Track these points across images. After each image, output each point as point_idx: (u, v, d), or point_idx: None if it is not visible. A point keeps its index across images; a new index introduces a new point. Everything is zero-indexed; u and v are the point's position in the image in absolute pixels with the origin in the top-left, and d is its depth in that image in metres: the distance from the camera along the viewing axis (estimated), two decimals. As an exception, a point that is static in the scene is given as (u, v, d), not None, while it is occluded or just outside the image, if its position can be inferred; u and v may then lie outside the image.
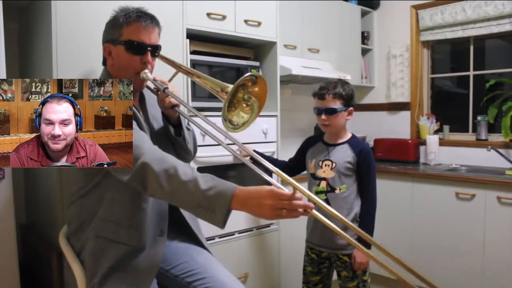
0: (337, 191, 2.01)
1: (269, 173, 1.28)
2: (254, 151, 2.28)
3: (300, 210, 1.18)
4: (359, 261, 1.96)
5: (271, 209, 1.17)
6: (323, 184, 2.03)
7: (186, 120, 1.62)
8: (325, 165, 2.04)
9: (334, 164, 2.02)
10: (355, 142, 2.07)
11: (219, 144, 1.34)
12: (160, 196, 1.30)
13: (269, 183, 1.23)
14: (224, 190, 1.21)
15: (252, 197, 1.19)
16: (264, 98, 1.44)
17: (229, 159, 2.34)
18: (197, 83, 1.54)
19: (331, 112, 2.00)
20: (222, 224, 1.20)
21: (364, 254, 1.23)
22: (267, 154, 2.46)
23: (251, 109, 1.45)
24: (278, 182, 1.27)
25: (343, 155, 2.03)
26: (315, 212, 1.19)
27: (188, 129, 1.66)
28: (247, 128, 1.46)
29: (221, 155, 2.30)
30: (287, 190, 1.18)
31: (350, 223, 1.23)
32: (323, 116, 2.01)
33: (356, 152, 2.03)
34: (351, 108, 2.05)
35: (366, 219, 2.02)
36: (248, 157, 1.41)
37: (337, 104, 2.00)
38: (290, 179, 1.21)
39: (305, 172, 2.22)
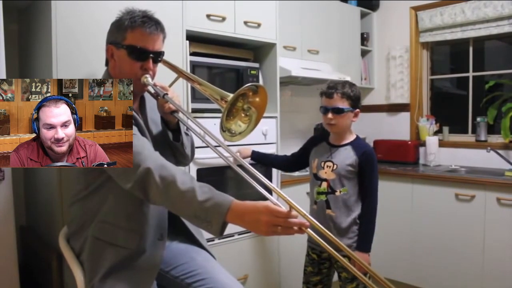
0: (337, 193, 2.00)
1: (269, 176, 1.28)
2: (254, 151, 2.28)
3: (296, 228, 1.17)
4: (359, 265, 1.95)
5: (267, 225, 1.17)
6: (324, 185, 2.03)
7: (185, 125, 1.62)
8: (327, 166, 2.04)
9: (335, 166, 2.01)
10: (358, 144, 2.05)
11: (219, 146, 1.34)
12: (160, 204, 1.31)
13: (264, 197, 1.24)
14: (220, 202, 1.21)
15: (248, 212, 1.19)
16: (264, 109, 1.44)
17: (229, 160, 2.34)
18: (197, 90, 1.54)
19: (338, 111, 1.98)
20: (218, 235, 1.22)
21: (362, 264, 1.22)
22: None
23: (249, 119, 1.44)
24: (277, 185, 1.27)
25: (345, 157, 2.02)
26: (309, 231, 1.19)
27: (187, 134, 1.66)
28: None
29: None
30: (283, 207, 1.18)
31: (344, 245, 1.22)
32: (330, 115, 1.99)
33: (358, 154, 2.00)
34: (357, 110, 2.04)
35: (366, 222, 1.99)
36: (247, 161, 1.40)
37: (344, 104, 1.98)
38: (287, 197, 1.21)
39: (307, 173, 2.22)
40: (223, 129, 1.38)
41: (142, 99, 1.60)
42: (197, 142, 1.80)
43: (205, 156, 2.26)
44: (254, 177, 1.26)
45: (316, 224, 1.20)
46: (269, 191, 1.26)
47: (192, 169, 2.27)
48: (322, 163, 2.06)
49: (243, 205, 1.20)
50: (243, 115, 1.44)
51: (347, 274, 2.01)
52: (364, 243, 1.96)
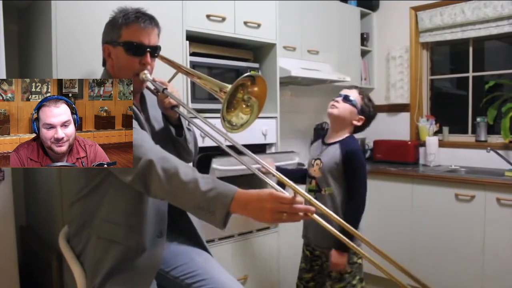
0: (323, 192, 1.99)
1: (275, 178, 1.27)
2: (277, 168, 2.19)
3: (301, 214, 1.16)
4: (334, 261, 1.91)
5: (272, 213, 1.15)
6: (313, 183, 2.03)
7: (186, 120, 1.62)
8: (316, 164, 2.03)
9: (322, 164, 2.01)
10: (345, 142, 2.01)
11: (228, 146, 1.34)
12: (162, 196, 1.30)
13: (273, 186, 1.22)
14: (224, 192, 1.19)
15: (252, 200, 1.17)
16: (264, 98, 1.43)
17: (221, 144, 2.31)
18: (197, 84, 1.54)
19: (347, 99, 2.02)
20: (222, 226, 1.19)
21: (352, 246, 1.21)
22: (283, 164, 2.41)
23: (251, 110, 1.44)
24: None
25: (332, 155, 2.00)
26: (315, 216, 1.17)
27: (189, 130, 1.66)
28: (247, 129, 1.45)
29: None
30: (287, 193, 1.17)
31: (357, 232, 1.22)
32: (337, 98, 2.05)
33: (343, 152, 1.97)
34: (363, 117, 2.04)
35: (348, 222, 1.94)
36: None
37: (356, 99, 2.03)
38: (290, 182, 1.20)
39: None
40: (224, 119, 1.38)
41: (142, 97, 1.61)
42: (198, 143, 1.80)
43: (224, 168, 2.24)
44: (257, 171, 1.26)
45: (323, 208, 1.19)
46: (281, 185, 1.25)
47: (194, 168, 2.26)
48: (313, 161, 2.06)
49: (247, 194, 1.19)
50: (244, 106, 1.43)
51: (336, 273, 1.98)
52: (342, 242, 1.93)
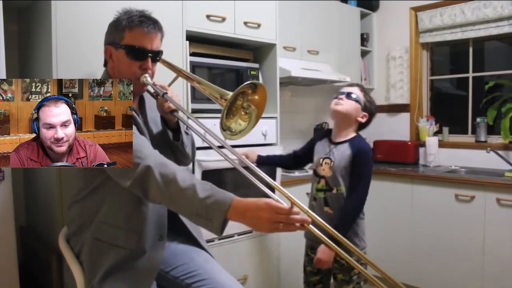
0: (334, 191, 1.99)
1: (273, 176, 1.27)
2: (259, 156, 2.27)
3: (297, 224, 1.17)
4: (319, 257, 1.90)
5: (268, 222, 1.16)
6: (323, 182, 2.02)
7: (185, 125, 1.62)
8: (325, 163, 2.03)
9: (332, 163, 2.01)
10: (355, 141, 2.03)
11: (222, 147, 1.34)
12: (160, 202, 1.30)
13: (267, 195, 1.23)
14: (221, 200, 1.20)
15: (250, 209, 1.18)
16: (263, 106, 1.43)
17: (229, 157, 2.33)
18: (196, 88, 1.54)
19: (350, 96, 2.02)
20: (219, 233, 1.20)
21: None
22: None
23: (249, 117, 1.44)
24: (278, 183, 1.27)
25: (343, 154, 2.00)
26: (311, 227, 1.18)
27: (187, 134, 1.66)
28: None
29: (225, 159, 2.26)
30: (284, 204, 1.18)
31: (348, 242, 1.23)
32: (340, 96, 2.03)
33: (353, 151, 1.98)
34: (366, 113, 2.05)
35: (342, 217, 1.93)
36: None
37: (359, 96, 2.03)
38: (289, 194, 1.20)
39: (307, 173, 2.20)
40: (223, 127, 1.38)
41: (141, 99, 1.61)
42: (199, 143, 1.80)
43: (209, 159, 2.26)
44: (255, 175, 1.26)
45: (319, 220, 1.20)
46: (271, 189, 1.26)
47: (197, 172, 2.27)
48: (321, 160, 2.06)
49: (244, 202, 1.19)
50: (243, 113, 1.43)
51: (343, 275, 1.98)
52: (334, 238, 1.93)
